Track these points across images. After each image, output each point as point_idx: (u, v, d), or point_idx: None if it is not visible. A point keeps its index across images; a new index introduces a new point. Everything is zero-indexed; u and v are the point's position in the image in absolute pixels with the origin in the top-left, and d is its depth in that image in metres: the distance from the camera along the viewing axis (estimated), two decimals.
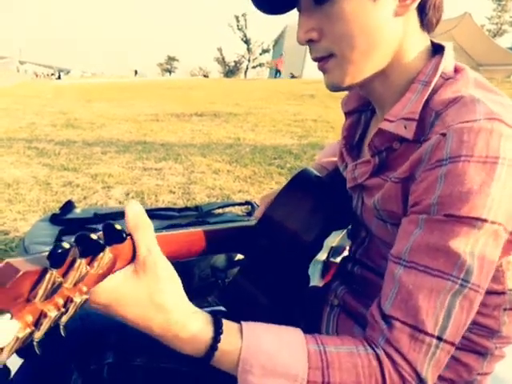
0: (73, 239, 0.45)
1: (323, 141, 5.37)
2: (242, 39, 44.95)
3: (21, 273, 0.41)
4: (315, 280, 1.00)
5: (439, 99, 0.65)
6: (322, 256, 1.25)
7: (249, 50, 45.75)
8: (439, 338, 0.58)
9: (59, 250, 0.43)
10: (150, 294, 0.54)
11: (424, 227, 0.60)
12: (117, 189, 3.45)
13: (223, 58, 49.77)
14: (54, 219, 1.87)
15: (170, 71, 62.10)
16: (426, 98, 0.66)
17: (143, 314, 0.55)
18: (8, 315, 0.41)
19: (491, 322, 0.71)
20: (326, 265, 1.24)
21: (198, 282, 1.86)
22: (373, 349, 0.60)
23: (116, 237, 0.50)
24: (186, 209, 2.09)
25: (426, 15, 0.69)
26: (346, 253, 1.26)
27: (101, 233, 0.50)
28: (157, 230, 0.60)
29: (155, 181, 3.68)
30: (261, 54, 45.99)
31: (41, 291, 0.43)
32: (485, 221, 0.57)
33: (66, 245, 0.44)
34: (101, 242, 0.47)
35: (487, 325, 0.71)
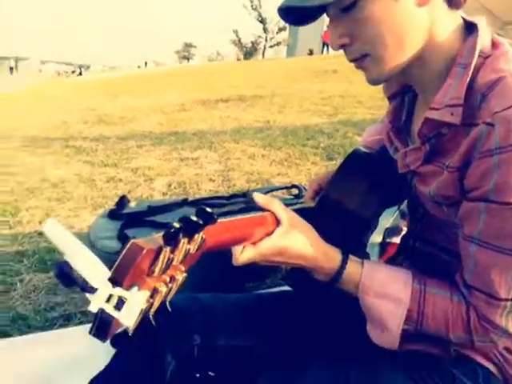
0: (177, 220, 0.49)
1: (353, 117, 5.34)
2: (258, 19, 44.40)
3: (145, 250, 0.47)
4: None
5: (482, 81, 0.67)
6: (377, 239, 1.29)
7: (265, 29, 45.18)
8: None
9: (172, 230, 0.48)
10: (307, 239, 0.75)
11: (486, 214, 0.66)
12: (158, 181, 3.53)
13: (239, 40, 49.27)
14: (113, 214, 1.95)
15: (187, 58, 61.97)
16: (468, 81, 0.68)
17: (305, 253, 0.74)
18: (136, 288, 0.47)
19: None
20: (383, 246, 1.28)
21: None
22: (463, 298, 0.72)
23: (209, 218, 0.53)
24: (235, 196, 2.15)
25: None
26: (405, 229, 1.29)
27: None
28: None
29: (194, 170, 3.76)
30: (277, 33, 45.41)
31: (157, 267, 0.49)
32: None
33: (176, 224, 0.48)
34: (200, 222, 0.51)
35: None
